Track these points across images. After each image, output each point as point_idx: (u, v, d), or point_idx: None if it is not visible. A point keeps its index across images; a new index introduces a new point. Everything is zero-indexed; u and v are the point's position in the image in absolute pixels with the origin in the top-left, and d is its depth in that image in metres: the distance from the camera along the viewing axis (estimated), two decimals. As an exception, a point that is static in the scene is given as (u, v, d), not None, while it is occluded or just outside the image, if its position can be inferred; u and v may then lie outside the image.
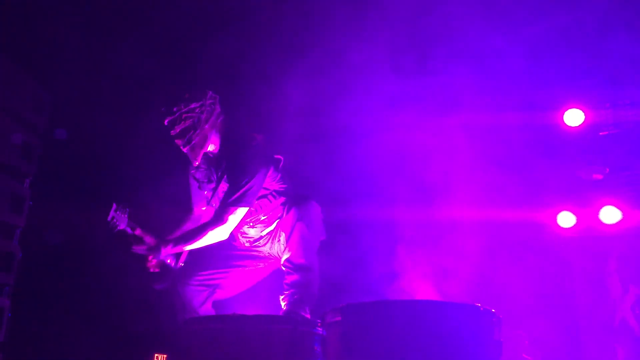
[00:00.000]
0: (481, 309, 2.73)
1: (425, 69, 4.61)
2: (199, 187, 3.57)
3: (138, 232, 3.40)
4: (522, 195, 5.52)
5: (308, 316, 3.28)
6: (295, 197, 3.44)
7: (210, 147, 3.47)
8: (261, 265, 3.62)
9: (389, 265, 4.64)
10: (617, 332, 5.40)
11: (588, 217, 5.58)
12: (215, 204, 3.47)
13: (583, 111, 5.19)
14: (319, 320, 2.97)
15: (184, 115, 3.33)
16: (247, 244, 3.59)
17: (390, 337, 2.68)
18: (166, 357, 4.28)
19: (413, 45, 4.59)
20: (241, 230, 3.53)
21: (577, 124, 5.26)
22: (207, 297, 3.47)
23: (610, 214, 5.55)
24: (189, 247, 3.38)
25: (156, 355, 4.25)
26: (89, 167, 4.85)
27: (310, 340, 2.93)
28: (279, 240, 3.53)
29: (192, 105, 3.35)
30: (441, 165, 5.02)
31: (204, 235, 3.34)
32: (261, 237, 3.56)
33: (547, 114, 5.28)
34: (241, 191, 3.31)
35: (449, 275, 4.66)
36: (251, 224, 3.50)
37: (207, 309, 3.47)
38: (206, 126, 3.37)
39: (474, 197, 5.12)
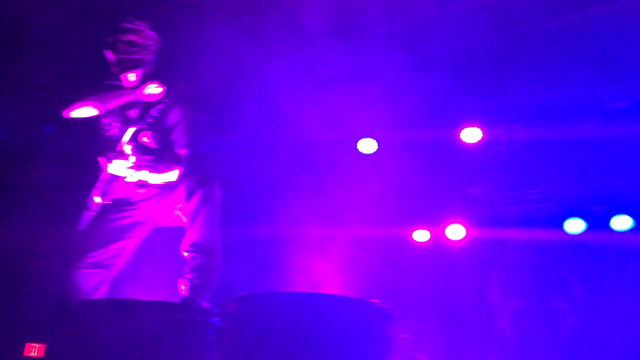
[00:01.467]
0: (374, 304, 2.83)
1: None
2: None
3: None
4: (416, 208, 5.78)
5: (206, 304, 3.23)
6: (199, 177, 3.37)
7: (132, 77, 3.49)
8: (146, 229, 3.51)
9: (291, 265, 4.70)
10: (495, 340, 5.76)
11: (476, 230, 5.94)
12: (121, 128, 3.45)
13: (480, 129, 5.52)
14: (215, 310, 2.95)
15: (140, 34, 3.45)
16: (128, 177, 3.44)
17: (285, 329, 2.70)
18: (45, 347, 4.02)
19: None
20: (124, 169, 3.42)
21: (473, 142, 5.59)
22: (102, 279, 3.30)
23: (495, 229, 5.94)
24: (152, 177, 3.40)
25: (30, 344, 3.98)
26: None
27: (205, 329, 2.89)
28: (163, 210, 3.45)
29: (150, 34, 3.50)
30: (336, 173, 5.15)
31: (170, 170, 3.41)
32: (141, 187, 3.44)
33: (445, 130, 5.56)
34: (188, 133, 3.44)
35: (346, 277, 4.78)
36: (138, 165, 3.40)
37: (102, 294, 3.30)
38: (148, 56, 3.50)
39: (370, 209, 5.29)
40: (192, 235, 3.29)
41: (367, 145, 5.69)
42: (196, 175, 3.40)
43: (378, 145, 5.65)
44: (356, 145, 5.63)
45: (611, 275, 5.51)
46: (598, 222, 5.61)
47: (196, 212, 3.28)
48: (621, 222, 5.56)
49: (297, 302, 2.79)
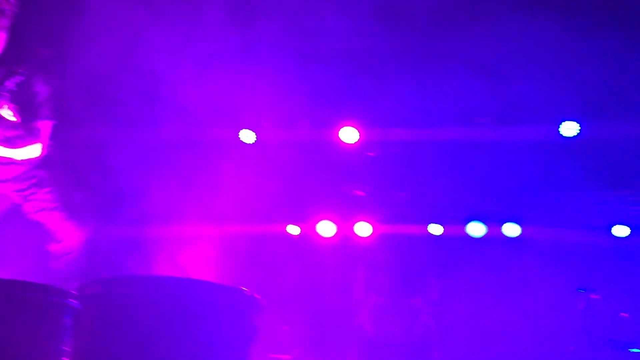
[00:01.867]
0: (242, 292, 2.80)
1: None
2: None
3: None
4: (289, 204, 5.83)
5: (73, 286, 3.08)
6: (63, 185, 3.41)
7: None
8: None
9: (161, 257, 4.54)
10: (355, 334, 5.96)
11: (346, 229, 6.10)
12: None
13: (358, 130, 5.65)
14: (73, 292, 2.77)
15: None
16: None
17: (148, 312, 2.60)
18: None
19: None
20: None
21: (351, 142, 5.71)
22: None
23: (363, 228, 6.14)
24: (11, 153, 3.18)
25: None
26: None
27: (60, 311, 2.70)
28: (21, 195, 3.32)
29: None
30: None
31: (31, 144, 3.19)
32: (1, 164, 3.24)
33: (324, 129, 5.64)
34: (48, 103, 3.22)
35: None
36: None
37: None
38: (4, 21, 3.14)
39: (245, 202, 5.26)
40: (59, 234, 3.37)
41: (247, 136, 5.65)
42: (62, 182, 3.40)
43: (256, 138, 5.62)
44: (237, 134, 5.55)
45: (466, 276, 5.89)
46: (457, 225, 5.97)
47: (61, 220, 3.37)
48: (476, 229, 5.96)
49: (160, 286, 2.69)
